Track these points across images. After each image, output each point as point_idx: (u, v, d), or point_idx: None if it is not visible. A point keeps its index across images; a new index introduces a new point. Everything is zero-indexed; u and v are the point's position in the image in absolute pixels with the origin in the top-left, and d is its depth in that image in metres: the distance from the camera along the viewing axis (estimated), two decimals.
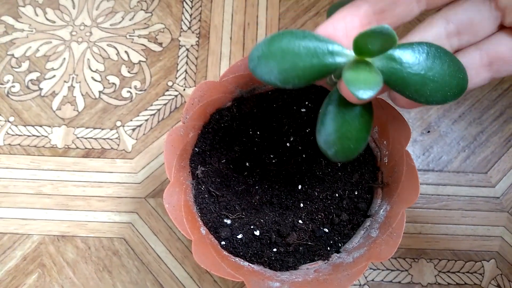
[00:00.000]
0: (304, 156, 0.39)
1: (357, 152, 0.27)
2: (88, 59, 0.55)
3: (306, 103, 0.40)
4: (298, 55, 0.24)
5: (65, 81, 0.54)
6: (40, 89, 0.53)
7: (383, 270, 0.48)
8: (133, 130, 0.52)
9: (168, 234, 0.48)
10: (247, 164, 0.40)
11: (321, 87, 0.40)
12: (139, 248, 0.48)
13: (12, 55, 0.55)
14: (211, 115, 0.39)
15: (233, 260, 0.35)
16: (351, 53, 0.25)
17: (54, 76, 0.54)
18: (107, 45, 0.56)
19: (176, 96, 0.53)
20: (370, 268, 0.48)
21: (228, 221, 0.37)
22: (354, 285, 0.47)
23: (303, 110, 0.40)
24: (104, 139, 0.52)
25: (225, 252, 0.35)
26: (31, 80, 0.54)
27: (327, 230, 0.37)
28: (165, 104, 0.53)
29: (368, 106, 0.28)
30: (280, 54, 0.24)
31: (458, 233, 0.50)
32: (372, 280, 0.48)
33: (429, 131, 0.53)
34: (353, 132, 0.26)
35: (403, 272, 0.48)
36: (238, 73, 0.37)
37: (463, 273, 0.48)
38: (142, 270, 0.47)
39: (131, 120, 0.52)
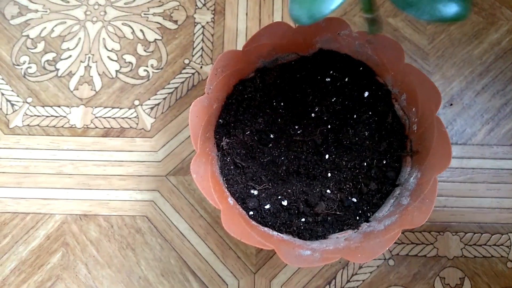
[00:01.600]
0: (329, 126, 0.39)
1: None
2: (104, 38, 0.54)
3: (331, 72, 0.39)
4: None
5: (81, 61, 0.53)
6: (57, 69, 0.53)
7: (408, 244, 0.47)
8: (151, 108, 0.52)
9: (191, 212, 0.48)
10: (272, 135, 0.39)
11: (346, 55, 0.39)
12: (162, 226, 0.48)
13: (28, 36, 0.54)
14: (234, 86, 0.38)
15: (262, 229, 0.35)
16: None
17: (70, 56, 0.53)
18: (122, 24, 0.55)
19: (193, 74, 0.53)
20: (395, 242, 0.48)
21: (255, 192, 0.36)
22: (379, 259, 0.47)
23: (327, 79, 0.39)
24: (122, 118, 0.51)
25: (253, 222, 0.35)
26: (47, 60, 0.53)
27: (355, 200, 0.37)
28: (182, 82, 0.52)
29: None
30: None
31: (483, 206, 0.49)
32: (397, 254, 0.47)
33: (451, 104, 0.52)
34: None
35: (429, 245, 0.47)
36: (261, 42, 0.36)
37: (490, 246, 0.48)
38: (166, 247, 0.47)
39: (149, 99, 0.52)
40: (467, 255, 0.47)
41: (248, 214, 0.36)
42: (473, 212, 0.49)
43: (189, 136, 0.50)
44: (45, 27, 0.55)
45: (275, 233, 0.35)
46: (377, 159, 0.37)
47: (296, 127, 0.39)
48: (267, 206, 0.36)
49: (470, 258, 0.47)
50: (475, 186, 0.49)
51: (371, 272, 0.46)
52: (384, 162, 0.37)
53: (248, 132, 0.39)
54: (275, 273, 0.46)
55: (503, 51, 0.54)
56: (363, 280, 0.46)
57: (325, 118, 0.39)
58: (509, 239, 0.48)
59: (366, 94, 0.39)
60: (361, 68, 0.39)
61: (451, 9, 0.23)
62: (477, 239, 0.48)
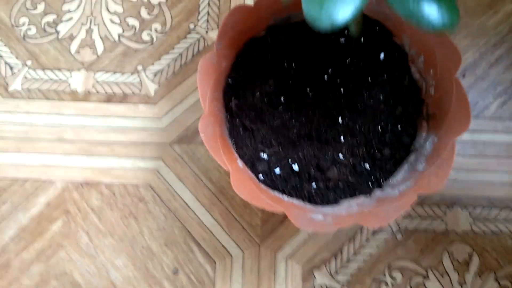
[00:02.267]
0: (343, 89, 0.37)
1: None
2: (106, 0, 0.52)
3: (346, 32, 0.37)
4: None
5: (82, 24, 0.51)
6: (57, 32, 0.51)
7: (416, 217, 0.46)
8: (155, 74, 0.50)
9: (195, 181, 0.47)
10: (282, 98, 0.38)
11: (362, 14, 0.37)
12: (166, 195, 0.46)
13: None
14: (244, 44, 0.36)
15: (272, 193, 0.33)
16: None
17: (71, 18, 0.51)
18: None
19: (198, 39, 0.51)
20: (403, 216, 0.47)
21: (265, 155, 0.35)
22: (387, 232, 0.46)
23: (342, 39, 0.37)
24: (125, 83, 0.49)
25: (263, 186, 0.34)
26: (47, 22, 0.51)
27: (368, 166, 0.36)
28: (187, 48, 0.51)
29: None
30: None
31: (494, 180, 0.48)
32: (406, 227, 0.46)
33: (464, 75, 0.51)
34: None
35: (437, 219, 0.46)
36: None
37: (499, 221, 0.47)
38: (169, 217, 0.46)
39: (152, 64, 0.50)
40: (476, 230, 0.46)
41: (258, 178, 0.34)
42: (483, 187, 0.47)
43: (194, 103, 0.48)
44: None
45: (285, 197, 0.34)
46: (391, 123, 0.36)
47: (308, 89, 0.38)
48: (277, 170, 0.35)
49: (479, 234, 0.46)
50: (486, 160, 0.48)
51: (378, 246, 0.45)
52: (399, 127, 0.36)
53: (258, 93, 0.37)
54: (281, 245, 0.45)
55: None
56: (370, 254, 0.45)
57: (338, 80, 0.37)
58: None
59: (382, 55, 0.37)
60: (377, 28, 0.37)
61: (440, 20, 0.21)
62: (486, 214, 0.47)
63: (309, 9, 0.21)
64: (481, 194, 0.47)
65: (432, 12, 0.21)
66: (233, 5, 0.52)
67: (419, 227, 0.46)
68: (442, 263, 0.45)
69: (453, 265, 0.45)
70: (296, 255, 0.45)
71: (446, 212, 0.47)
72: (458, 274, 0.44)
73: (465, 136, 0.49)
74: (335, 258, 0.45)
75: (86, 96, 0.49)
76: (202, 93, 0.32)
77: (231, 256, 0.45)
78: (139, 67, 0.50)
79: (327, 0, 0.21)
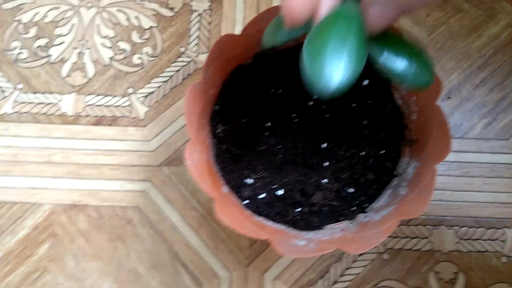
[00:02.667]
0: (328, 114, 0.38)
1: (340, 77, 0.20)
2: (98, 24, 0.53)
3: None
4: None
5: (74, 48, 0.52)
6: (49, 55, 0.52)
7: (402, 237, 0.47)
8: (145, 97, 0.50)
9: (183, 203, 0.47)
10: (268, 123, 0.38)
11: None
12: (154, 217, 0.47)
13: (19, 21, 0.53)
14: (231, 72, 0.37)
15: (257, 219, 0.34)
16: None
17: (63, 42, 0.52)
18: (117, 10, 0.54)
19: (188, 62, 0.52)
20: (390, 236, 0.47)
21: (250, 181, 0.36)
22: (373, 252, 0.46)
23: None
24: (115, 106, 0.50)
25: (247, 212, 0.34)
26: (39, 46, 0.52)
27: (352, 190, 0.36)
28: (177, 71, 0.51)
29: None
30: None
31: (479, 200, 0.48)
32: (392, 248, 0.47)
33: (449, 97, 0.52)
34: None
35: (424, 239, 0.47)
36: (260, 26, 0.35)
37: (485, 240, 0.47)
38: (157, 238, 0.46)
39: (143, 87, 0.51)
40: (461, 249, 0.47)
41: (243, 203, 0.35)
42: (469, 206, 0.48)
43: (183, 126, 0.49)
44: (38, 12, 0.53)
45: (270, 222, 0.34)
46: (375, 148, 0.37)
47: (293, 115, 0.38)
48: (262, 196, 0.35)
49: (464, 253, 0.47)
50: (471, 180, 0.49)
51: (365, 266, 0.46)
52: (382, 152, 0.37)
53: (245, 119, 0.38)
54: (268, 266, 0.45)
55: (502, 44, 0.54)
56: (357, 274, 0.45)
57: (323, 106, 0.38)
58: (505, 233, 0.47)
59: (366, 82, 0.38)
60: None
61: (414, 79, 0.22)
62: (472, 233, 0.47)
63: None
64: (467, 213, 0.48)
65: (406, 71, 0.21)
66: (223, 29, 0.53)
67: (405, 246, 0.47)
68: (428, 282, 0.45)
69: (439, 285, 0.45)
70: (283, 276, 0.45)
71: (432, 231, 0.47)
72: None
73: (451, 157, 0.50)
74: (322, 279, 0.45)
75: (76, 119, 0.49)
76: (189, 120, 0.33)
77: (219, 278, 0.45)
78: (130, 90, 0.51)
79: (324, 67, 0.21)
